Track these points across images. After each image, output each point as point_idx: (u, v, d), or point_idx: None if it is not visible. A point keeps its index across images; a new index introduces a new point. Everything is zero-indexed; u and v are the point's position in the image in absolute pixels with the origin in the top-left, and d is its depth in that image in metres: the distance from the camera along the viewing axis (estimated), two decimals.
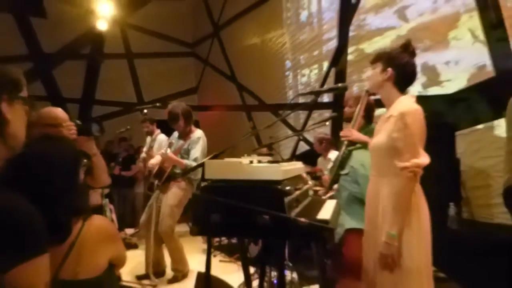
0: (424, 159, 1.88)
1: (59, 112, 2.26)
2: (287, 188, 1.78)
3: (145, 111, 4.81)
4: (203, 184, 1.87)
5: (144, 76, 9.76)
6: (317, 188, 3.77)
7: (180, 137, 3.76)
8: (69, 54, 9.01)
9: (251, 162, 1.84)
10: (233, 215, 1.74)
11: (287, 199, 1.74)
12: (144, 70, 9.75)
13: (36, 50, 8.65)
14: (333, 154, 4.53)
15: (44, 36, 8.69)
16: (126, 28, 9.68)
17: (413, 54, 2.05)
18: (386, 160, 1.93)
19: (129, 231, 6.39)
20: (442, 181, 3.51)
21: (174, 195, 3.48)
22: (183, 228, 5.69)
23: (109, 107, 9.32)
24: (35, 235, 0.84)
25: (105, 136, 8.12)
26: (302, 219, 1.70)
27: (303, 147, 6.63)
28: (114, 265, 1.50)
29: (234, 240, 5.24)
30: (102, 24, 8.21)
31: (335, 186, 3.17)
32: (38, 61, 8.61)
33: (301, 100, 5.93)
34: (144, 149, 5.04)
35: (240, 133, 8.38)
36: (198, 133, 3.71)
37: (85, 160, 1.72)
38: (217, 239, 5.10)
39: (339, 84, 2.08)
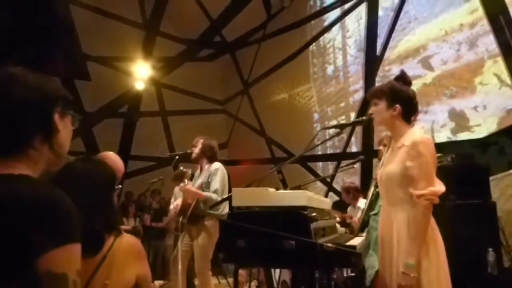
0: (440, 187, 1.86)
1: None
2: (313, 214, 1.80)
3: (182, 168, 4.69)
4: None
5: (177, 132, 10.13)
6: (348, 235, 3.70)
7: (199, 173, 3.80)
8: (108, 113, 9.55)
9: (277, 189, 1.88)
10: (259, 241, 1.76)
11: (313, 225, 1.75)
12: (177, 127, 10.13)
13: (79, 110, 9.23)
14: (361, 202, 4.46)
15: (86, 97, 9.30)
16: (161, 88, 10.24)
17: (410, 83, 2.08)
18: (398, 189, 1.92)
19: (158, 282, 6.32)
20: (478, 225, 3.39)
21: (202, 235, 3.48)
22: (213, 280, 5.58)
23: (143, 162, 9.63)
24: (71, 223, 0.88)
25: (138, 189, 8.35)
26: (329, 244, 1.69)
27: (333, 198, 6.56)
28: (139, 286, 1.53)
29: None
30: (139, 84, 8.78)
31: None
32: (80, 120, 9.15)
33: (329, 150, 5.98)
34: (172, 199, 5.10)
35: (270, 186, 8.38)
36: (216, 165, 3.70)
37: (119, 186, 1.81)
38: None
39: (363, 117, 2.13)
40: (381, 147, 3.07)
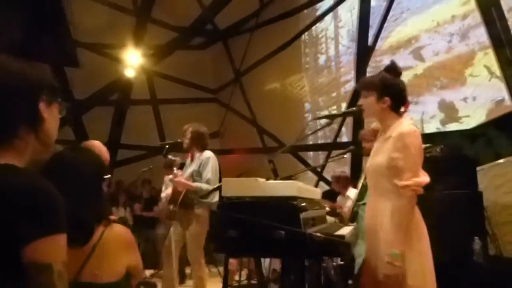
0: (424, 178, 1.89)
1: None
2: (302, 204, 1.82)
3: (171, 156, 4.61)
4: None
5: (168, 121, 10.05)
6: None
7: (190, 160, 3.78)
8: (98, 101, 9.43)
9: (268, 179, 1.89)
10: (249, 231, 1.77)
11: (302, 215, 1.77)
12: (168, 115, 10.05)
13: (68, 97, 9.09)
14: (351, 192, 4.51)
15: (76, 84, 9.17)
16: (152, 76, 10.14)
17: (400, 74, 2.08)
18: (385, 180, 1.94)
19: (149, 271, 6.33)
20: (465, 214, 3.45)
21: (193, 224, 3.49)
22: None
23: (134, 151, 9.57)
24: (57, 213, 0.88)
25: (128, 178, 8.31)
26: (318, 234, 1.71)
27: (323, 188, 6.60)
28: (131, 275, 1.54)
29: (254, 281, 5.14)
30: (130, 72, 8.68)
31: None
32: (69, 108, 9.04)
33: (320, 140, 6.00)
34: (163, 188, 5.08)
35: (261, 175, 8.42)
36: (207, 153, 3.67)
37: (109, 176, 1.81)
38: (236, 278, 5.01)
39: (353, 108, 2.14)
40: (365, 144, 3.08)
